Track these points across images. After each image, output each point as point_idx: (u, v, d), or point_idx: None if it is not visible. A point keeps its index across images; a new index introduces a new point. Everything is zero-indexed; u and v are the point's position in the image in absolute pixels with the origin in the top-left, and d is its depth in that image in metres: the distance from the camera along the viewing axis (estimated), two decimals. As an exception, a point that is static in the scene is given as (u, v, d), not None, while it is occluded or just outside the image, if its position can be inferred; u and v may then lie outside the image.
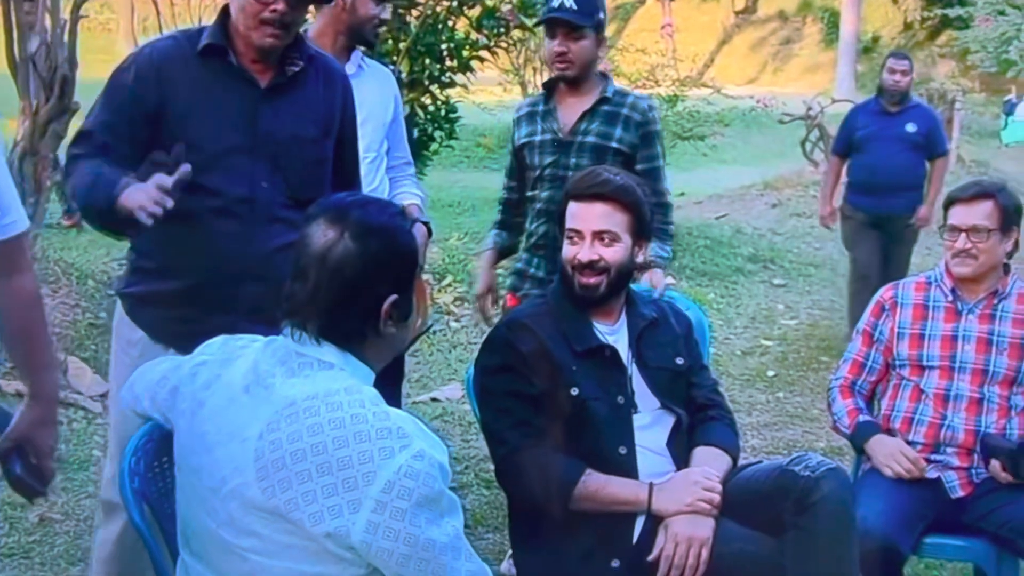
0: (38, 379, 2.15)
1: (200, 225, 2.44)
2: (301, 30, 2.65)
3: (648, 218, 2.66)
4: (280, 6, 2.43)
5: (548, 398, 2.49)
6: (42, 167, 5.92)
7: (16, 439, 2.11)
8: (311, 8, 2.83)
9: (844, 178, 6.56)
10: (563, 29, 3.38)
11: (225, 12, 2.52)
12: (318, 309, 1.73)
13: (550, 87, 3.57)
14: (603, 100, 3.46)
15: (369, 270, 1.73)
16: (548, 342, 2.53)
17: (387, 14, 3.38)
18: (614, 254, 2.57)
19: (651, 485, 2.46)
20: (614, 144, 3.43)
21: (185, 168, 2.28)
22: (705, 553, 2.38)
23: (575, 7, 3.35)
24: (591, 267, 2.56)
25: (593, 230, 2.57)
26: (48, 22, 5.79)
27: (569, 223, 2.61)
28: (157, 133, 2.45)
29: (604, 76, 3.56)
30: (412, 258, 1.81)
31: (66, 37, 5.73)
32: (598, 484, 2.45)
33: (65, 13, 5.85)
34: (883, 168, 6.12)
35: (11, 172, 5.88)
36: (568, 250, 2.60)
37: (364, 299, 1.74)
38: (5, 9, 5.74)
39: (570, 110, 3.49)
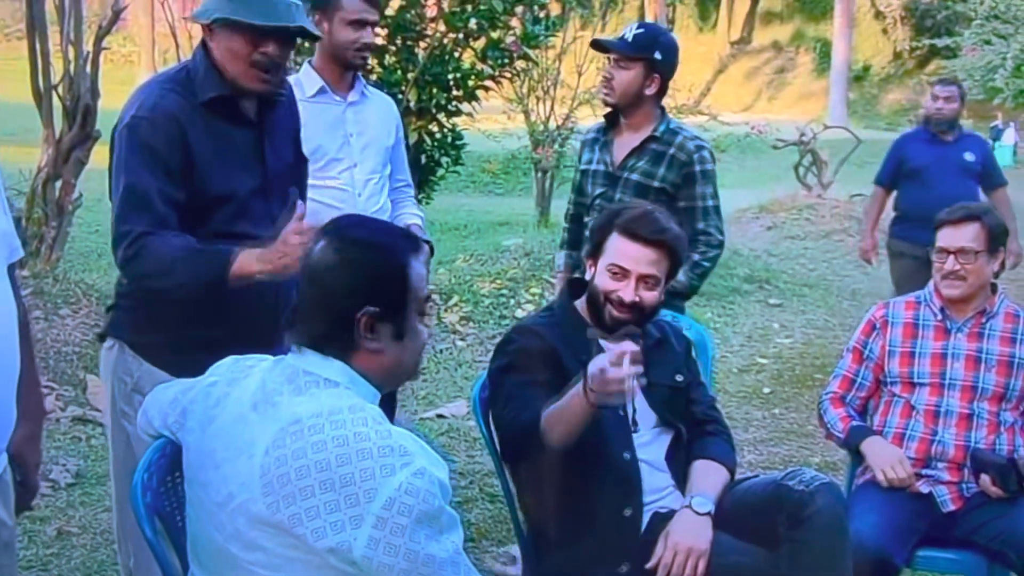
0: (28, 398, 2.12)
1: None
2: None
3: (680, 266, 2.67)
4: (271, 49, 2.38)
5: (554, 391, 2.44)
6: (65, 192, 5.93)
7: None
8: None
9: (890, 212, 5.92)
10: (613, 56, 3.45)
11: (205, 50, 2.44)
12: (301, 316, 1.74)
13: (611, 119, 3.56)
14: (652, 138, 3.45)
15: (342, 278, 1.72)
16: (557, 346, 2.52)
17: (369, 38, 3.32)
18: (652, 298, 2.55)
19: (584, 383, 2.25)
20: (656, 183, 3.42)
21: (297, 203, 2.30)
22: (702, 565, 2.36)
23: (629, 40, 3.41)
24: (630, 307, 2.53)
25: (641, 273, 2.53)
26: (72, 53, 5.80)
27: (615, 258, 2.55)
28: (187, 187, 2.38)
29: (663, 113, 3.53)
30: (393, 274, 1.75)
31: (88, 68, 5.74)
32: (551, 409, 2.34)
33: (88, 45, 5.87)
34: (942, 199, 5.06)
35: (34, 197, 5.91)
36: (608, 283, 2.55)
37: (336, 306, 1.72)
38: (31, 42, 5.76)
39: (623, 144, 3.50)
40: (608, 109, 3.57)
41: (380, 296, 1.73)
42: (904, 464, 2.88)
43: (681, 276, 3.35)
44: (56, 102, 5.82)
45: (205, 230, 2.40)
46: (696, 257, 3.42)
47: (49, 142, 5.87)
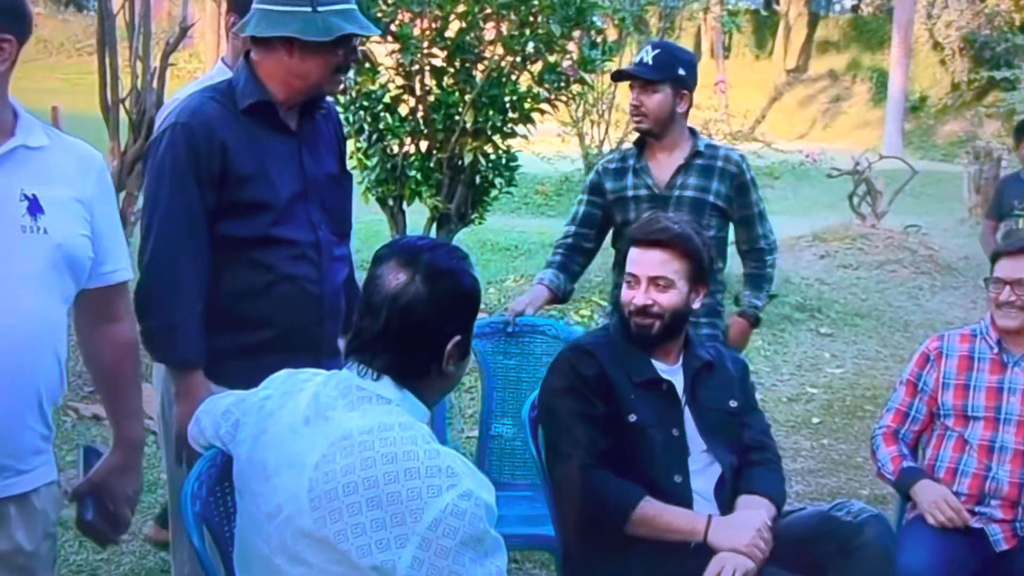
0: (123, 425, 2.10)
1: (282, 274, 2.41)
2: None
3: (707, 265, 2.62)
4: (350, 50, 2.41)
5: (609, 421, 2.48)
6: (128, 203, 6.02)
7: (94, 483, 2.06)
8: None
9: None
10: (638, 83, 3.39)
11: (248, 62, 2.44)
12: (387, 346, 1.72)
13: (640, 144, 3.53)
14: (696, 154, 3.43)
15: (437, 311, 1.73)
16: (609, 369, 2.52)
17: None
18: (668, 299, 2.54)
19: (710, 517, 2.41)
20: (711, 198, 3.40)
21: None
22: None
23: (650, 63, 3.36)
24: (645, 311, 2.54)
25: (649, 276, 2.54)
26: (140, 68, 5.90)
27: (628, 267, 2.59)
28: (221, 195, 2.38)
29: (693, 132, 3.50)
30: (475, 300, 1.80)
31: (155, 83, 5.83)
32: (656, 511, 2.41)
33: (156, 61, 5.96)
34: None
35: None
36: (625, 293, 2.59)
37: (431, 338, 1.73)
38: (101, 56, 5.87)
39: (662, 166, 3.45)
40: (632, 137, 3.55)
41: (463, 323, 1.77)
42: (950, 499, 2.82)
43: (753, 300, 3.52)
44: (123, 115, 5.92)
45: (246, 235, 2.40)
46: (768, 272, 3.51)
47: (114, 154, 5.96)
